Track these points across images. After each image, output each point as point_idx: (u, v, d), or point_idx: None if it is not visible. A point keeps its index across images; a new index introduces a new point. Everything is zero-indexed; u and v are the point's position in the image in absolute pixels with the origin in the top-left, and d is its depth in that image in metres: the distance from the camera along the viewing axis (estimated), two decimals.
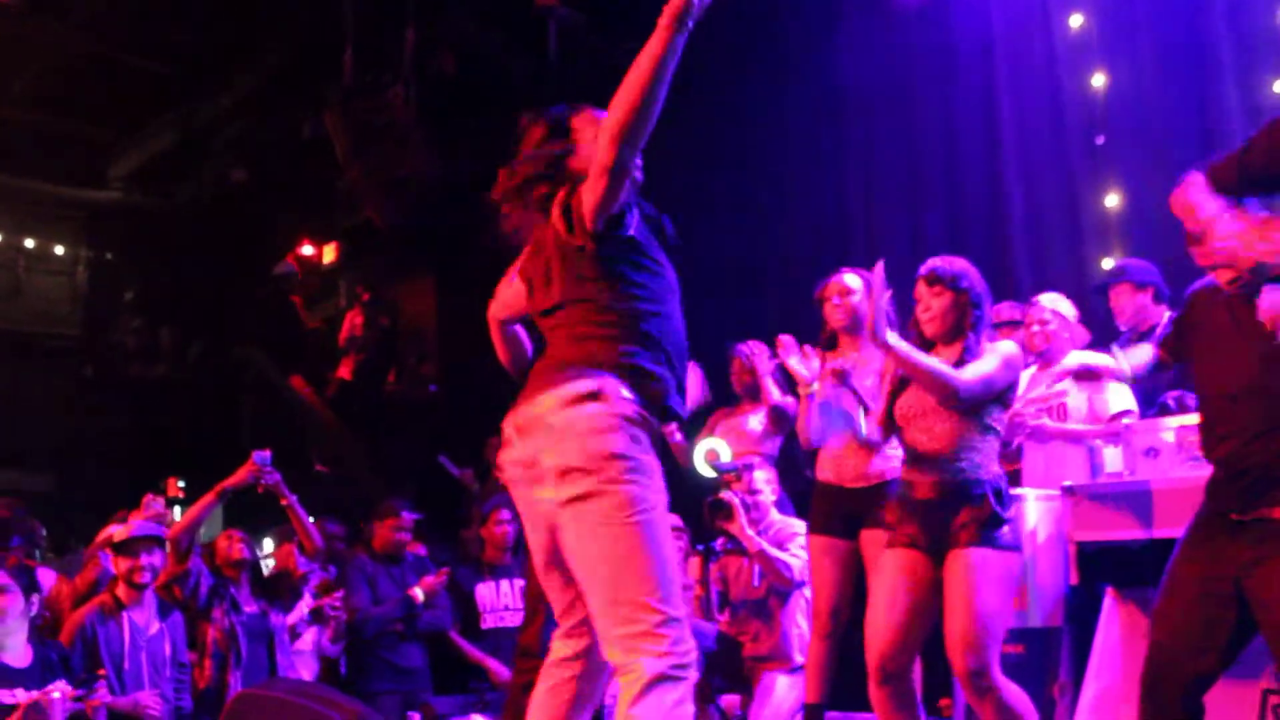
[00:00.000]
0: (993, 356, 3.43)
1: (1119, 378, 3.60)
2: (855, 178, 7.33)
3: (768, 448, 5.31)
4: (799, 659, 4.83)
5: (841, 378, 3.87)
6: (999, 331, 5.09)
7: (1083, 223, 6.22)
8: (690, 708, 2.34)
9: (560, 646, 2.70)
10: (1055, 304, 4.77)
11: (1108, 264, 5.87)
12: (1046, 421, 4.59)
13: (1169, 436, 4.11)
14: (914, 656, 3.53)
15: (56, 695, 3.14)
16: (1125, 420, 4.50)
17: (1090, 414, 4.67)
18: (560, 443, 2.47)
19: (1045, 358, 4.73)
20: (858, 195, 7.30)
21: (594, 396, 2.48)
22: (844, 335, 4.30)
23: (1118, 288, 4.86)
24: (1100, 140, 6.13)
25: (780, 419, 5.22)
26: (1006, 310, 5.26)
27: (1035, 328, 4.72)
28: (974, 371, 3.38)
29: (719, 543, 5.02)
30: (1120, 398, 4.68)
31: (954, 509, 3.37)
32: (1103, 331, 4.98)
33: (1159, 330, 4.74)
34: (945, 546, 3.38)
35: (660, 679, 2.32)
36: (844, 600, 4.25)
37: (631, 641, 2.37)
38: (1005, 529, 3.37)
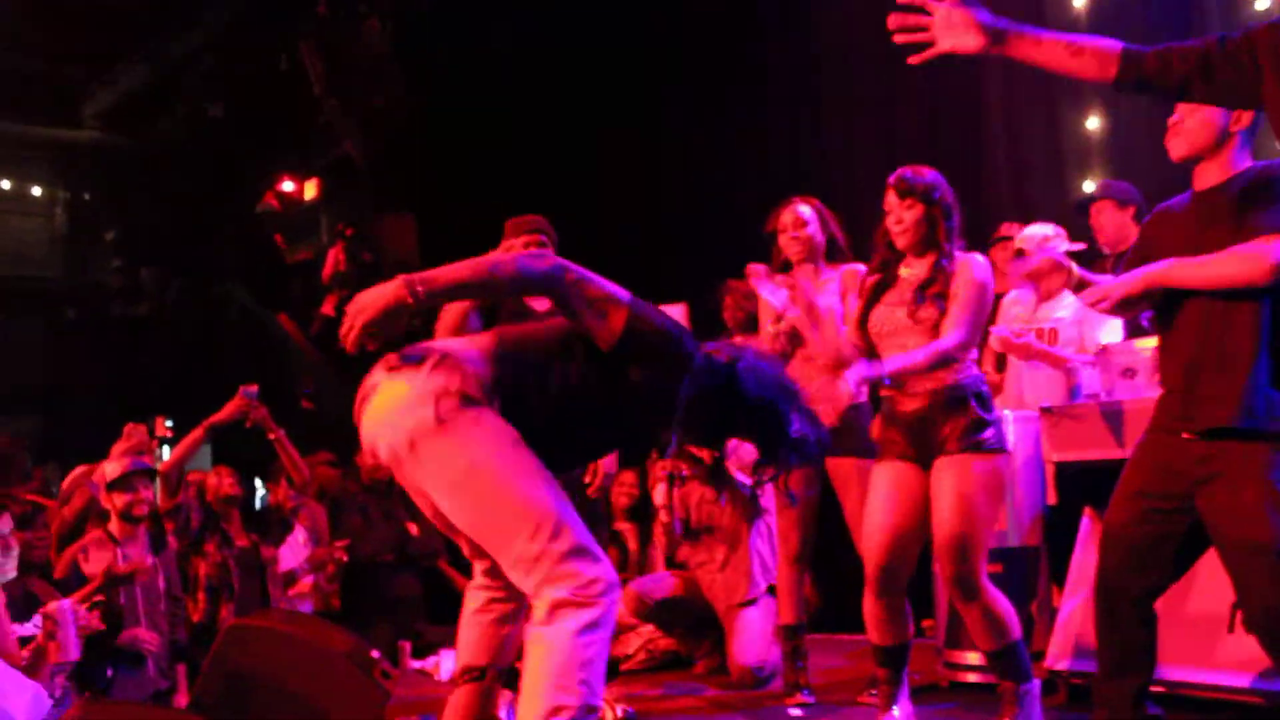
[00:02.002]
0: (967, 287, 3.42)
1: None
2: (832, 96, 7.30)
3: None
4: (764, 584, 4.89)
5: (802, 294, 3.86)
6: (994, 248, 5.13)
7: (1063, 144, 6.22)
8: (599, 635, 2.31)
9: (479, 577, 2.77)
10: (1045, 240, 4.73)
11: (1088, 186, 5.88)
12: (1033, 340, 4.63)
13: (1146, 357, 4.15)
14: (911, 567, 3.58)
15: (66, 604, 3.20)
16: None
17: (1080, 344, 4.72)
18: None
19: (1047, 291, 4.73)
20: (835, 117, 7.27)
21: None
22: (799, 265, 4.31)
23: (1100, 205, 4.86)
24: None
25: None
26: (1005, 228, 5.28)
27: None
28: (960, 323, 3.39)
29: (684, 469, 5.04)
30: (1109, 331, 4.74)
31: (938, 418, 3.41)
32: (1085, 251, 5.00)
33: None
34: (931, 454, 3.43)
35: (563, 604, 2.31)
36: (811, 524, 4.33)
37: (531, 581, 2.37)
38: (990, 431, 3.39)
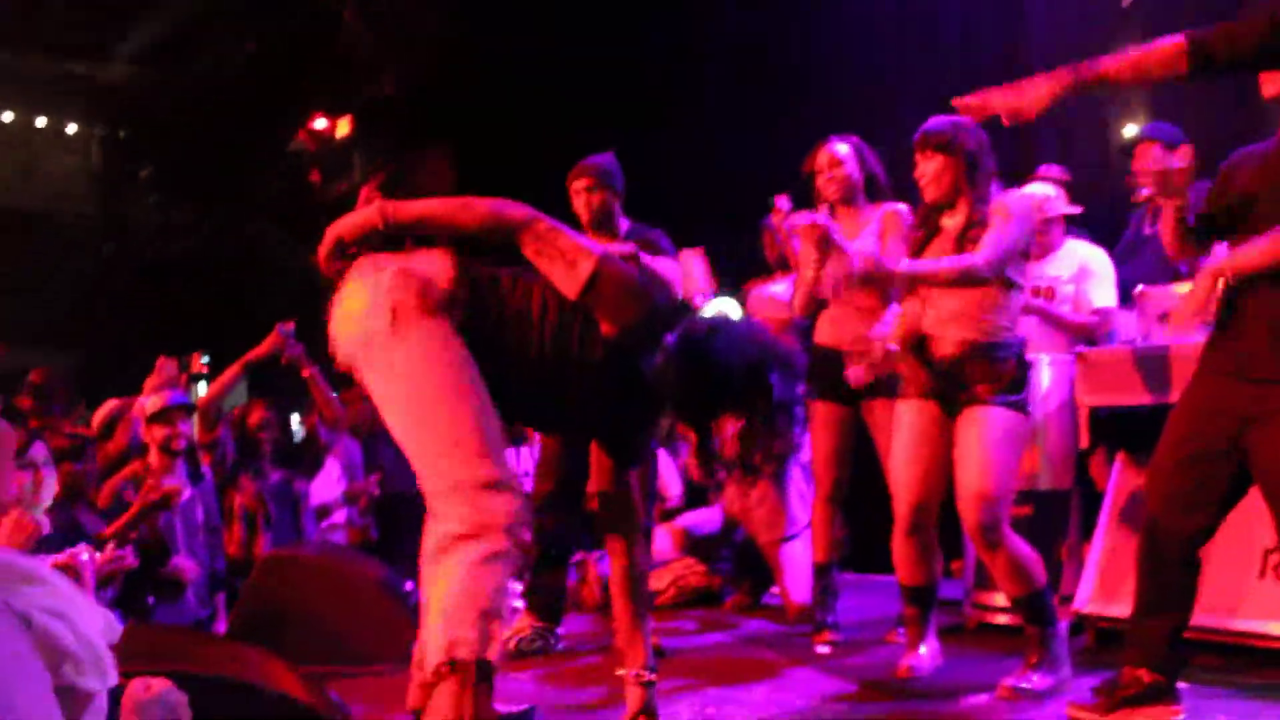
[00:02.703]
0: (1004, 218, 3.39)
1: None
2: (877, 28, 7.19)
3: (795, 316, 5.29)
4: (805, 520, 4.91)
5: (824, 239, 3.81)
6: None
7: None
8: (499, 568, 2.26)
9: None
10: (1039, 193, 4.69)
11: (1129, 131, 5.79)
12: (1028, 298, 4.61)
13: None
14: (938, 504, 3.59)
15: (85, 557, 3.24)
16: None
17: (1075, 304, 4.70)
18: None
19: (1042, 244, 4.69)
20: (880, 53, 7.17)
21: None
22: (839, 206, 4.26)
23: (1144, 148, 4.80)
24: (1126, 2, 5.99)
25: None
26: (1056, 171, 5.22)
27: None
28: (990, 243, 3.35)
29: None
30: (1105, 293, 4.71)
31: (974, 367, 3.40)
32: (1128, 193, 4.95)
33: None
34: (960, 403, 3.42)
35: (462, 537, 2.27)
36: (844, 464, 4.34)
37: (436, 501, 2.34)
38: (1024, 394, 3.41)
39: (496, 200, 2.57)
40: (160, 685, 1.58)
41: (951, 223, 3.50)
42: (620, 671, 2.84)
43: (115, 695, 1.48)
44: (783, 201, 4.16)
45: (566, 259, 2.48)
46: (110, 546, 3.43)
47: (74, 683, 1.33)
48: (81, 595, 1.42)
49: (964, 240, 3.43)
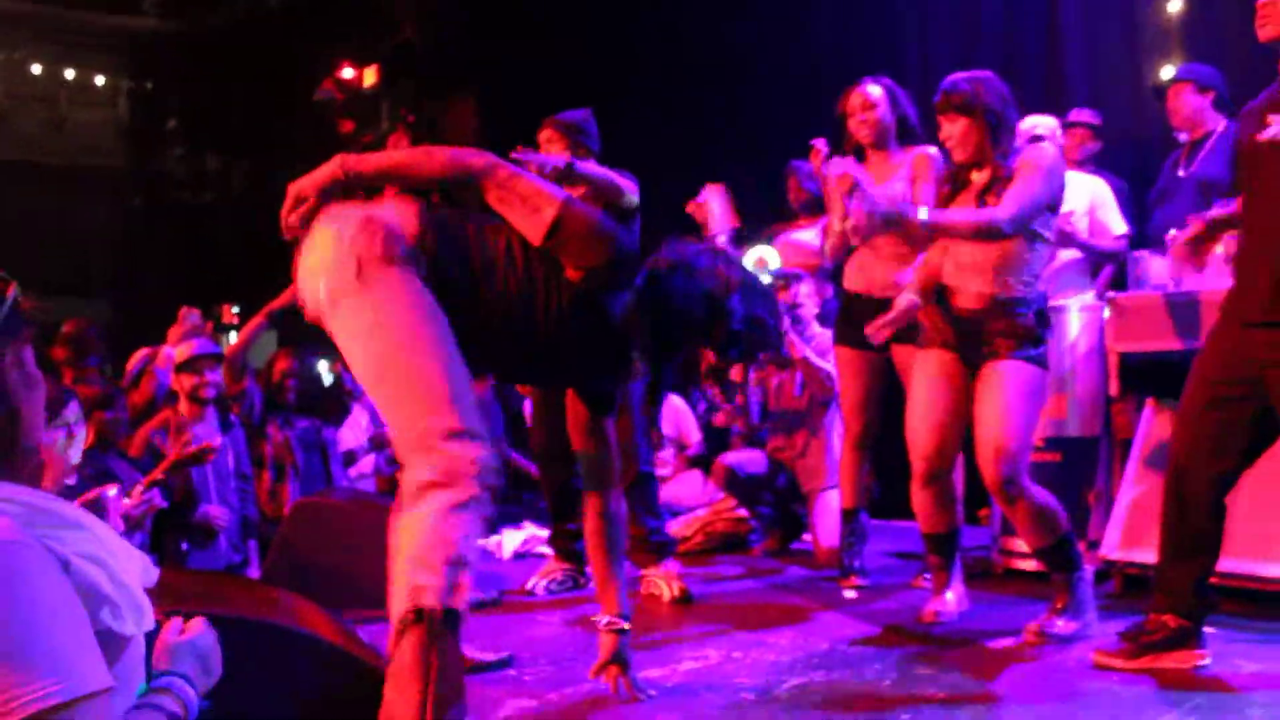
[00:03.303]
0: (1030, 170, 3.34)
1: None
2: None
3: (824, 263, 5.28)
4: None
5: (853, 190, 3.78)
6: (1069, 132, 5.01)
7: (1143, 27, 6.02)
8: (467, 516, 2.21)
9: None
10: (1046, 127, 4.63)
11: (1167, 73, 5.69)
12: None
13: (1218, 247, 4.06)
14: (955, 457, 3.59)
15: (112, 493, 3.29)
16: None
17: (1093, 235, 4.66)
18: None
19: None
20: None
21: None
22: (870, 149, 4.22)
23: (1178, 88, 4.73)
24: None
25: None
26: (1088, 115, 5.16)
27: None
28: (1014, 198, 3.30)
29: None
30: (1118, 219, 4.70)
31: (995, 321, 3.38)
32: (1161, 137, 4.89)
33: (1213, 138, 4.65)
34: (981, 356, 3.41)
35: (430, 485, 2.22)
36: (873, 410, 4.33)
37: (405, 450, 2.31)
38: (1043, 349, 3.38)
39: (458, 149, 2.55)
40: (194, 627, 1.60)
41: (979, 177, 3.47)
42: (594, 618, 2.86)
43: (151, 639, 1.50)
44: (821, 144, 4.13)
45: (529, 204, 2.46)
46: (138, 489, 3.47)
47: (111, 626, 1.35)
48: (118, 540, 1.44)
49: (987, 195, 3.40)
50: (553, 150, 4.17)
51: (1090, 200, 4.70)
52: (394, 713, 2.05)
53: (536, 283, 2.48)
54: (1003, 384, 3.33)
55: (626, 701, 2.78)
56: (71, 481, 3.08)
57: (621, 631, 2.82)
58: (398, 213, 2.47)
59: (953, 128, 3.42)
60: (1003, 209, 3.28)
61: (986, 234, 3.29)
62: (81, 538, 1.35)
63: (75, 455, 2.97)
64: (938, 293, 3.51)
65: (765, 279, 5.13)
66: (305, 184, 2.49)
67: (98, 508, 3.20)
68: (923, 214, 3.27)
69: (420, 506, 2.20)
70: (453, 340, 2.36)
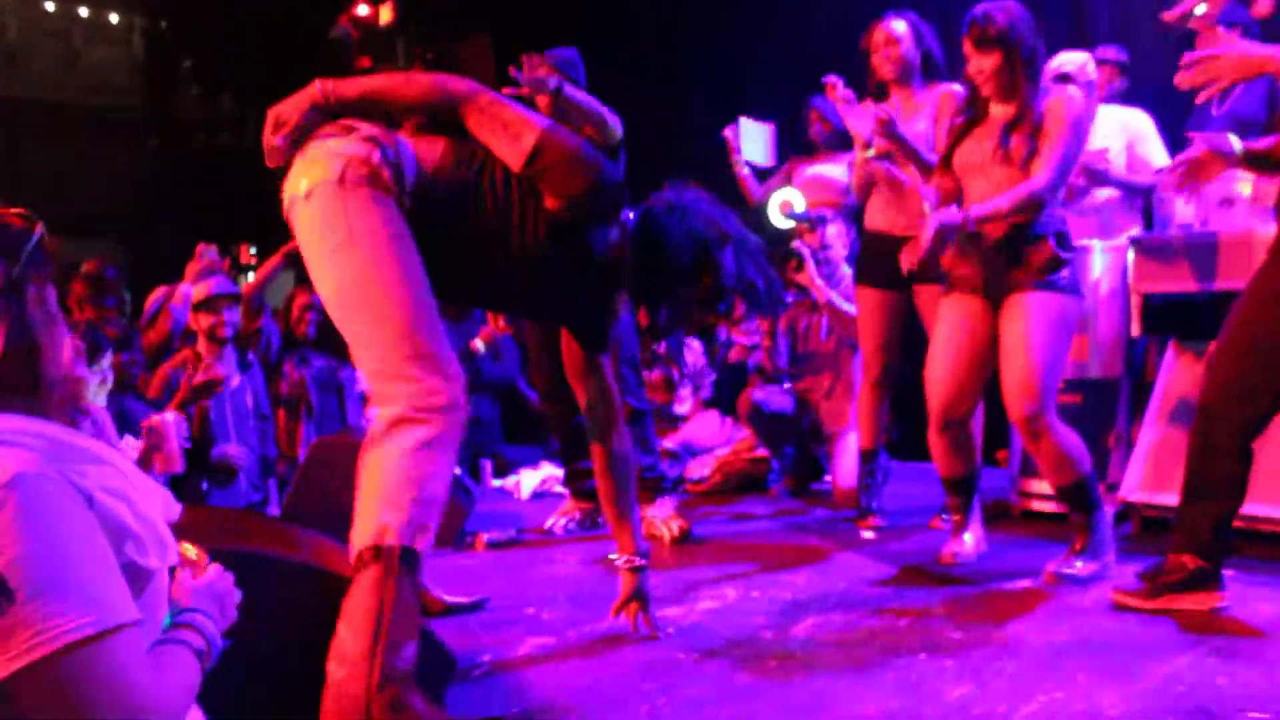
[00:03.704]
0: (1059, 126, 3.28)
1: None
2: None
3: (850, 200, 5.24)
4: None
5: (888, 128, 3.75)
6: (1100, 69, 4.91)
7: None
8: (435, 453, 2.17)
9: None
10: (1078, 60, 4.52)
11: (1200, 9, 5.57)
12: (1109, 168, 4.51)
13: (1245, 189, 4.01)
14: (975, 404, 3.58)
15: (170, 417, 3.32)
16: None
17: (1132, 170, 4.59)
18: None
19: None
20: None
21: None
22: (892, 85, 4.17)
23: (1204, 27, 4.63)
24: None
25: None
26: (1114, 52, 5.07)
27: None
28: (1048, 162, 3.26)
29: (789, 295, 5.06)
30: (1159, 151, 4.61)
31: (1013, 252, 3.34)
32: None
33: None
34: (1003, 290, 3.38)
35: (400, 421, 2.17)
36: (893, 350, 4.32)
37: (374, 381, 2.27)
38: (1065, 272, 3.33)
39: (440, 74, 2.51)
40: (211, 571, 1.61)
41: (1000, 111, 3.41)
42: (611, 557, 2.87)
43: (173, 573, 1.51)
44: (835, 79, 4.07)
45: (510, 131, 2.41)
46: (183, 423, 3.49)
47: (136, 560, 1.36)
48: (140, 474, 1.44)
49: (1009, 133, 3.34)
50: None
51: (1126, 135, 4.62)
52: (344, 650, 2.02)
53: (513, 210, 2.44)
54: (1026, 317, 3.30)
55: (645, 639, 2.80)
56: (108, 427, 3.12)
57: (639, 569, 2.83)
58: (406, 139, 2.43)
59: (984, 61, 3.35)
60: (1039, 178, 3.26)
61: (1031, 208, 3.27)
62: (104, 472, 1.36)
63: (103, 400, 2.98)
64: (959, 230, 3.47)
65: (789, 224, 5.10)
66: (285, 107, 2.43)
67: (158, 435, 3.24)
68: (973, 215, 3.27)
69: (389, 443, 2.17)
70: (423, 270, 2.31)
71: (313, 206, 2.31)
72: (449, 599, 3.13)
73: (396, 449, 2.16)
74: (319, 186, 2.30)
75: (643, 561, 2.83)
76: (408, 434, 2.16)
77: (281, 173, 2.46)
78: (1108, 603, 3.01)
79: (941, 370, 3.50)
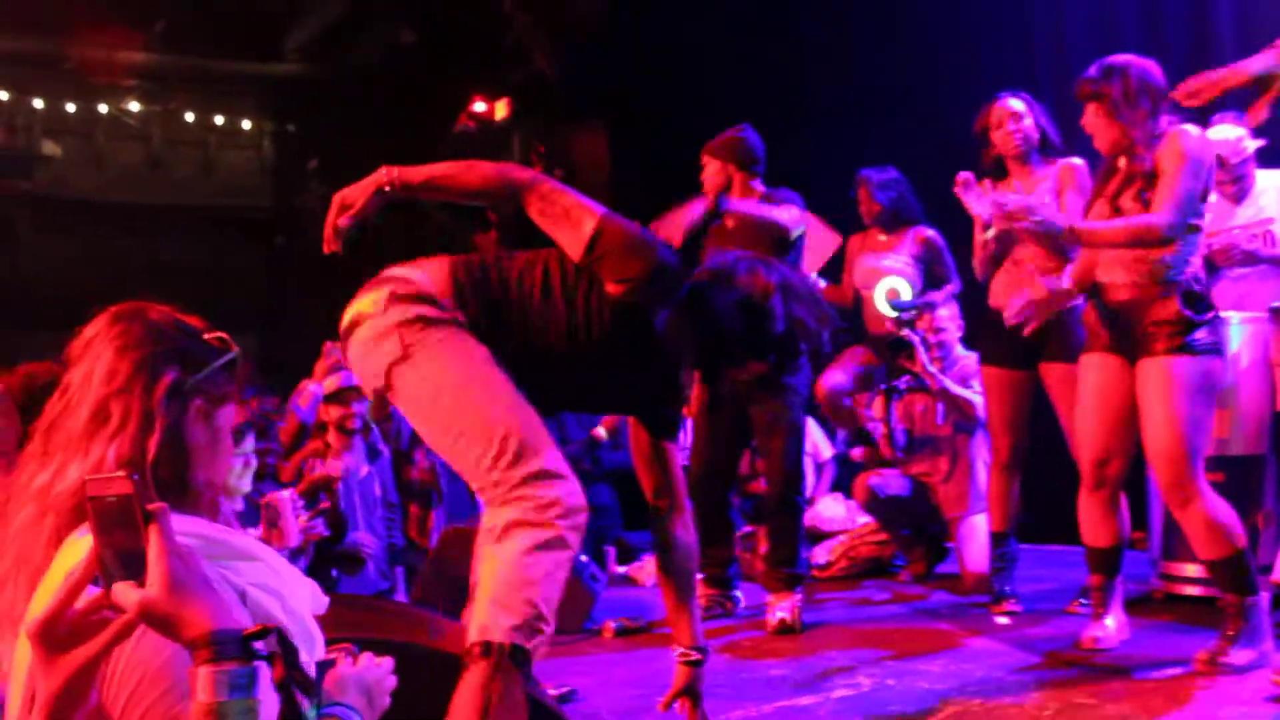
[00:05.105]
0: (1176, 163, 3.20)
1: None
2: None
3: (952, 285, 5.13)
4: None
5: (1009, 218, 3.66)
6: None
7: None
8: (550, 555, 2.19)
9: None
10: (1231, 137, 4.37)
11: None
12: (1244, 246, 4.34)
13: None
14: (1127, 462, 3.46)
15: (286, 494, 3.44)
16: None
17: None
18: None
19: (1239, 188, 4.41)
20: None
21: None
22: (1012, 162, 4.14)
23: None
24: None
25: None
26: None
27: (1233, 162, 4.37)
28: (1166, 200, 3.18)
29: (902, 381, 5.01)
30: None
31: (1143, 314, 3.26)
32: None
33: None
34: (1136, 353, 3.28)
35: (516, 524, 2.20)
36: (1021, 430, 4.22)
37: (491, 502, 2.28)
38: (1201, 332, 3.21)
39: (503, 163, 2.56)
40: (362, 661, 1.62)
41: (1124, 164, 3.36)
42: (672, 650, 2.78)
43: (322, 669, 1.53)
44: (968, 175, 4.04)
45: (570, 218, 2.44)
46: (304, 516, 3.60)
47: None
48: (290, 569, 1.48)
49: (1125, 188, 3.31)
50: (712, 175, 4.36)
51: None
52: None
53: (577, 304, 2.47)
54: (1159, 384, 3.21)
55: None
56: (240, 508, 3.22)
57: (695, 664, 2.73)
58: (432, 270, 2.50)
59: (1086, 119, 3.38)
60: (1160, 214, 3.17)
61: (1142, 241, 3.19)
62: (255, 568, 1.40)
63: (246, 484, 3.08)
64: (1094, 290, 3.40)
65: (892, 313, 4.93)
66: (351, 191, 2.50)
67: (271, 510, 3.35)
68: (1079, 225, 3.21)
69: (504, 544, 2.19)
70: (511, 383, 2.35)
71: (397, 386, 2.37)
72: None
73: (511, 550, 2.18)
74: (392, 370, 2.36)
75: (699, 655, 2.74)
76: (525, 536, 2.19)
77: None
78: (1267, 692, 2.86)
79: (1091, 424, 3.42)
